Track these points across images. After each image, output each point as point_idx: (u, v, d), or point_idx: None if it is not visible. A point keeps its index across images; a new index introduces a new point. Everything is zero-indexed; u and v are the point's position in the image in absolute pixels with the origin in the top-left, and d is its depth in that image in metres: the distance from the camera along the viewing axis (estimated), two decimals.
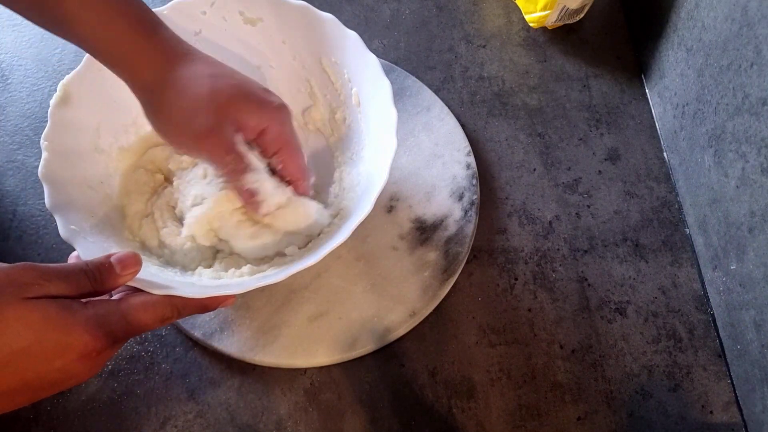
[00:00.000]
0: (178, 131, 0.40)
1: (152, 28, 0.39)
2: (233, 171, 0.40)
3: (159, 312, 0.36)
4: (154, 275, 0.39)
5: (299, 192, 0.43)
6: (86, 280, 0.34)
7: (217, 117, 0.39)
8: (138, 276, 0.36)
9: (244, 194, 0.41)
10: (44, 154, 0.42)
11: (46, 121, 0.43)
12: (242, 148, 0.39)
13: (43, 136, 0.42)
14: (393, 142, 0.41)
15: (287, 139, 0.41)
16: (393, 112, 0.41)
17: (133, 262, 0.35)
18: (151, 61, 0.39)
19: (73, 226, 0.40)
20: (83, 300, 0.34)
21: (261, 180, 0.41)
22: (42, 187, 0.41)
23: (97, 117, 0.45)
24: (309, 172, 0.43)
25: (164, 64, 0.39)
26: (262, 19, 0.47)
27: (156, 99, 0.39)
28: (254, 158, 0.40)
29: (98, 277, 0.34)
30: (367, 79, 0.44)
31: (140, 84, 0.39)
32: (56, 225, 0.39)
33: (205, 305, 0.38)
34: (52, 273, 0.32)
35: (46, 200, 0.40)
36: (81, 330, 0.32)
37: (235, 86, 0.39)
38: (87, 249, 0.39)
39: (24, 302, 0.31)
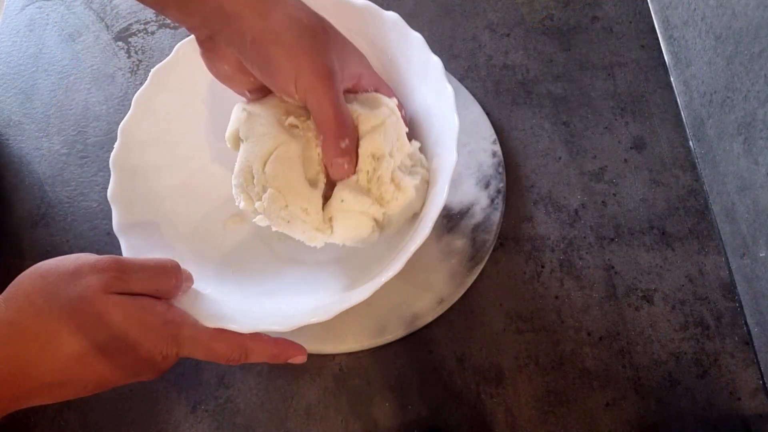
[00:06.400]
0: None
1: None
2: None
3: (228, 349, 0.35)
4: (215, 301, 0.39)
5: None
6: (164, 281, 0.35)
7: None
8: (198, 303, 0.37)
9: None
10: (119, 140, 0.42)
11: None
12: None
13: (122, 124, 0.43)
14: (453, 157, 0.37)
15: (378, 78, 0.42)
16: (455, 122, 0.38)
17: (188, 276, 0.38)
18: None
19: (128, 219, 0.40)
20: (165, 302, 0.35)
21: None
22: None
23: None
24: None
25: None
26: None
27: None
28: None
29: (170, 281, 0.35)
30: (429, 85, 0.42)
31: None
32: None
33: (274, 355, 0.38)
34: (133, 269, 0.33)
35: (109, 190, 0.41)
36: (155, 333, 0.33)
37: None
38: (132, 246, 0.39)
39: (108, 297, 0.31)
